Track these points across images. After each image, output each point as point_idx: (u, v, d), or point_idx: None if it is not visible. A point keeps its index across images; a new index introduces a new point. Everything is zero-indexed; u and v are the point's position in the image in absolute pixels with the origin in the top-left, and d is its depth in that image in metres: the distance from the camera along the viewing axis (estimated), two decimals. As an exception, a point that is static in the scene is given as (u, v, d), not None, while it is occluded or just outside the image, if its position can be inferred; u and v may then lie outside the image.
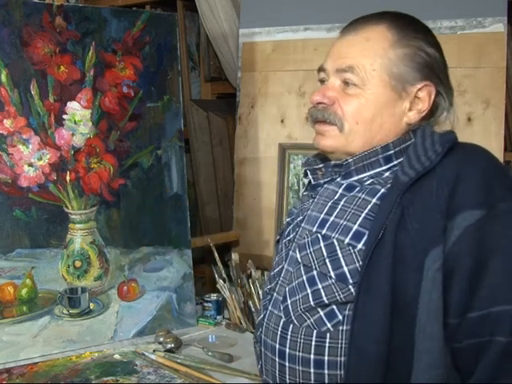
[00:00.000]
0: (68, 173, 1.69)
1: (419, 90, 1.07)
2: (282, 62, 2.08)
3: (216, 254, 1.92)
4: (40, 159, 1.65)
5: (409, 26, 1.09)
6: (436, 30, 1.91)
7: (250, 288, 1.86)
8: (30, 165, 1.64)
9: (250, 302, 1.84)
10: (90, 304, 1.72)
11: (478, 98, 1.86)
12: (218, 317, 1.87)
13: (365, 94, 1.07)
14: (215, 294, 1.90)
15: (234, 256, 1.94)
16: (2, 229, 1.61)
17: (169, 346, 1.62)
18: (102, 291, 1.74)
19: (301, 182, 2.03)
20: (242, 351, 1.62)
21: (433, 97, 1.08)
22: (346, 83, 1.09)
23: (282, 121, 2.09)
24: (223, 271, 1.91)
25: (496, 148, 1.83)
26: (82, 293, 1.71)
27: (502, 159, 1.85)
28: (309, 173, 1.17)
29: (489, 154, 1.04)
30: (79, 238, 1.71)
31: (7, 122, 1.61)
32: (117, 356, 1.61)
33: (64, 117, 1.68)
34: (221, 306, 1.89)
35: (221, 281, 1.88)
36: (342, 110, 1.08)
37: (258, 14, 2.14)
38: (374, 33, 1.08)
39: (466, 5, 1.88)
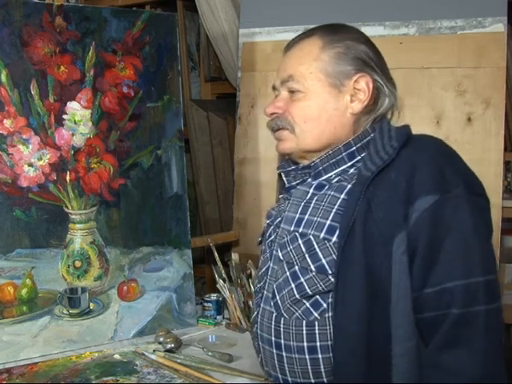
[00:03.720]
0: (68, 173, 1.69)
1: (355, 81, 1.18)
2: (282, 62, 2.08)
3: (216, 254, 1.92)
4: (40, 159, 1.65)
5: (337, 31, 1.22)
6: (436, 30, 1.91)
7: (250, 288, 1.86)
8: (30, 165, 1.64)
9: (250, 302, 1.84)
10: (90, 304, 1.72)
11: (478, 98, 1.86)
12: (218, 317, 1.87)
13: (307, 96, 1.19)
14: (215, 294, 1.90)
15: (234, 256, 1.94)
16: (1, 229, 1.61)
17: (169, 345, 1.62)
18: (102, 291, 1.74)
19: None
20: (242, 351, 1.62)
21: (371, 85, 1.18)
22: (291, 92, 1.21)
23: (282, 121, 2.09)
24: (223, 271, 1.91)
25: (496, 148, 1.84)
26: (82, 293, 1.71)
27: (501, 159, 1.85)
28: (283, 175, 1.28)
29: (440, 143, 1.16)
30: (79, 238, 1.71)
31: (7, 122, 1.61)
32: (117, 356, 1.61)
33: (64, 117, 1.68)
34: (221, 306, 1.89)
35: (221, 281, 1.88)
36: (291, 115, 1.21)
37: (258, 13, 2.14)
38: (306, 43, 1.22)
39: (466, 5, 1.88)
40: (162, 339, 1.65)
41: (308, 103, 1.19)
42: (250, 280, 1.88)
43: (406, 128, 1.18)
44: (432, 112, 1.91)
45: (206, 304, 1.89)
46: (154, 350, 1.60)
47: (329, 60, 1.18)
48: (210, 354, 1.59)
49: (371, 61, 1.19)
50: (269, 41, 2.12)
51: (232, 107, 2.24)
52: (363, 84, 1.18)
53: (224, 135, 2.39)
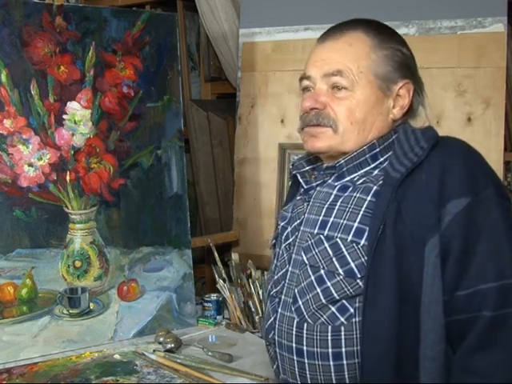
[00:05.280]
0: (68, 173, 1.69)
1: (400, 88, 1.15)
2: (281, 62, 2.08)
3: (216, 254, 1.92)
4: (40, 159, 1.65)
5: (382, 30, 1.18)
6: (436, 30, 1.91)
7: (250, 288, 1.86)
8: (30, 165, 1.64)
9: (250, 302, 1.84)
10: (90, 304, 1.72)
11: (477, 98, 1.86)
12: (218, 317, 1.87)
13: (355, 96, 1.13)
14: (215, 294, 1.90)
15: (234, 256, 1.94)
16: (1, 229, 1.61)
17: (169, 345, 1.62)
18: (102, 291, 1.74)
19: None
20: (242, 351, 1.62)
21: (411, 93, 1.16)
22: (334, 87, 1.14)
23: (282, 121, 2.09)
24: (223, 271, 1.91)
25: (496, 148, 1.83)
26: (82, 293, 1.71)
27: (501, 159, 1.85)
28: (299, 177, 1.23)
29: (467, 145, 1.13)
30: (79, 238, 1.71)
31: (7, 122, 1.61)
32: (117, 356, 1.61)
33: (64, 117, 1.68)
34: (221, 306, 1.89)
35: (221, 281, 1.88)
36: (334, 112, 1.14)
37: (258, 13, 2.14)
38: (353, 38, 1.15)
39: (466, 5, 1.88)
40: (162, 339, 1.65)
41: (355, 103, 1.13)
42: (249, 280, 1.87)
43: (433, 130, 1.14)
44: (432, 112, 1.91)
45: (206, 304, 1.89)
46: (154, 350, 1.60)
47: (379, 61, 1.14)
48: (210, 353, 1.59)
49: (414, 67, 1.17)
50: (269, 41, 2.12)
51: (232, 107, 2.24)
52: (405, 90, 1.15)
53: (224, 135, 2.39)
